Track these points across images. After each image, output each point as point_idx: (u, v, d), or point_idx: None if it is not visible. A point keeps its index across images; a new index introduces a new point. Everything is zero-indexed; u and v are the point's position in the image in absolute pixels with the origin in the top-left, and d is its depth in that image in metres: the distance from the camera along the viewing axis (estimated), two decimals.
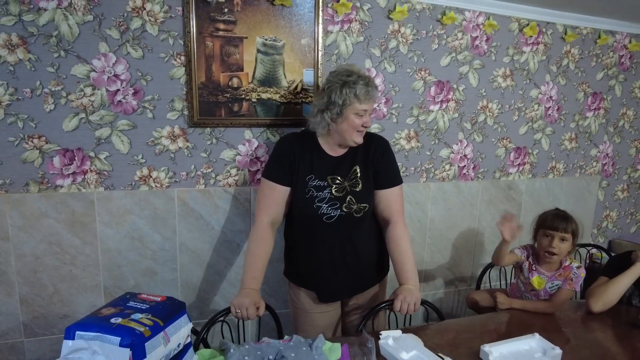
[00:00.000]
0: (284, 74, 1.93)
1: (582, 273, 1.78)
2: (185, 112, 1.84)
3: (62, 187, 1.75)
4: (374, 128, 2.13)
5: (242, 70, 1.86)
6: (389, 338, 1.48)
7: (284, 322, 1.75)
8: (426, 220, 2.35)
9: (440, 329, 1.66)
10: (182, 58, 1.79)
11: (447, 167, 2.36)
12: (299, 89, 1.96)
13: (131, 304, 1.17)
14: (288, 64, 1.92)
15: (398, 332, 1.53)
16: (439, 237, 2.41)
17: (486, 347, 1.44)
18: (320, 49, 1.95)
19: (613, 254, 2.36)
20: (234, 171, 1.97)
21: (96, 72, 1.70)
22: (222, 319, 1.62)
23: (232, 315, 1.54)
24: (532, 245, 1.92)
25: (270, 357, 1.33)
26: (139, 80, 1.76)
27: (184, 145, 1.88)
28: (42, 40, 1.63)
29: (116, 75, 1.73)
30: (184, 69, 1.80)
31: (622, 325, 1.71)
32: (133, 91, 1.76)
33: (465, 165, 2.40)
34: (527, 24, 2.36)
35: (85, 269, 1.83)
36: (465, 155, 2.38)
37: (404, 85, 2.16)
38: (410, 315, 1.70)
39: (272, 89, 1.92)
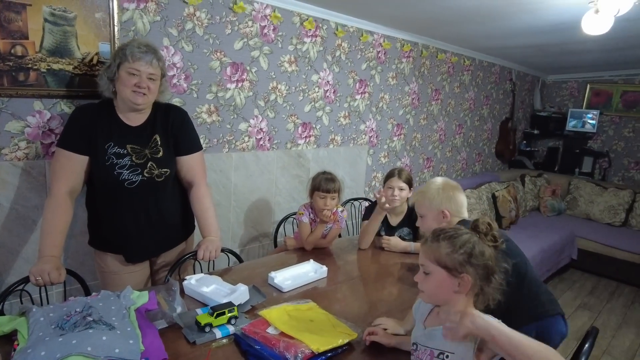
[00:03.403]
0: (78, 46, 1.92)
1: (345, 214, 2.32)
2: None
3: None
4: (176, 102, 2.28)
5: (27, 38, 1.79)
6: (192, 279, 1.71)
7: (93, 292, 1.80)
8: (230, 185, 2.63)
9: (239, 269, 1.97)
10: None
11: (247, 139, 2.68)
12: (94, 61, 1.98)
13: None
14: (82, 36, 1.93)
15: (200, 275, 1.77)
16: (243, 199, 2.72)
17: (272, 273, 1.81)
18: (116, 24, 2.00)
19: None
20: (23, 144, 1.88)
21: None
22: (20, 287, 1.59)
23: (32, 283, 1.54)
24: (310, 203, 2.33)
25: (78, 309, 1.39)
26: None
27: None
28: None
29: None
30: None
31: (375, 249, 2.32)
32: None
33: (262, 137, 2.75)
34: (307, 19, 2.82)
35: None
36: (261, 129, 2.74)
37: (201, 64, 2.36)
38: (214, 263, 1.97)
39: (64, 60, 1.89)
